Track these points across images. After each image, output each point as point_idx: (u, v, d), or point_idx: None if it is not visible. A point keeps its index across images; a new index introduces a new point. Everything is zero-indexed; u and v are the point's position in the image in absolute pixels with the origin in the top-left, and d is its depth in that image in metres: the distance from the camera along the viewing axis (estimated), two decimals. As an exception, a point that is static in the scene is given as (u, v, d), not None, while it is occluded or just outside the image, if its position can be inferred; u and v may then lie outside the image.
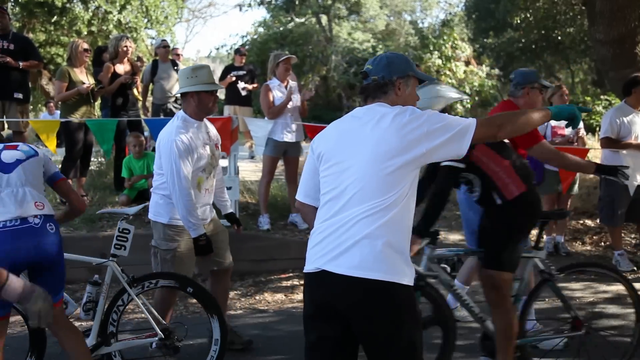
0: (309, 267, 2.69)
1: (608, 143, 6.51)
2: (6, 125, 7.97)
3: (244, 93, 10.37)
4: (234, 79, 10.39)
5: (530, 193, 3.82)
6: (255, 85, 10.59)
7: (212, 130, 4.43)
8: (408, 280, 2.59)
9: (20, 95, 7.64)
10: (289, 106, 6.89)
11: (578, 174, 6.86)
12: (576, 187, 7.01)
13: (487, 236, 3.90)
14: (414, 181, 2.66)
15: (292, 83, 7.11)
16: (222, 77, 10.77)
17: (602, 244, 7.39)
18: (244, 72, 10.52)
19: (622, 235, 7.13)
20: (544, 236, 7.02)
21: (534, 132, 4.11)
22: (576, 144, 6.87)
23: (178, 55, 10.75)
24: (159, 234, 4.25)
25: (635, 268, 6.60)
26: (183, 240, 4.18)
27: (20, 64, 7.46)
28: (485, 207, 3.94)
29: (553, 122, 6.69)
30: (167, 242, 4.20)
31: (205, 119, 4.35)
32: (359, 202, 2.58)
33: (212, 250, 4.17)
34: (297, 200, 2.99)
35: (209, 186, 4.35)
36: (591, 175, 9.02)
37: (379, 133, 2.61)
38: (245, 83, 10.40)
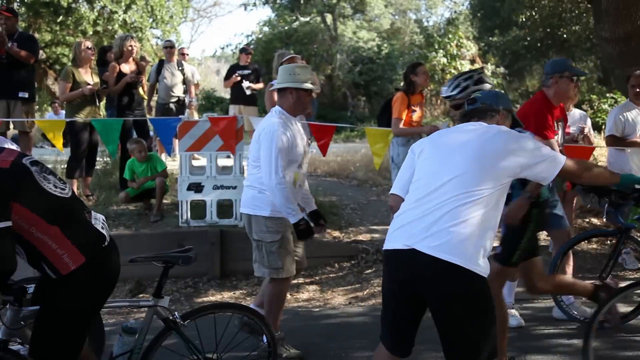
0: (394, 245, 2.87)
1: (613, 141, 6.47)
2: (12, 126, 7.99)
3: (248, 92, 10.37)
4: (239, 78, 10.39)
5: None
6: (260, 84, 10.59)
7: (300, 127, 4.49)
8: (485, 273, 2.76)
9: (25, 95, 7.65)
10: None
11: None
12: (582, 185, 6.98)
13: None
14: (504, 190, 2.90)
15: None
16: (227, 76, 10.77)
17: (608, 242, 7.36)
18: (249, 71, 10.51)
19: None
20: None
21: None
22: (582, 142, 6.83)
23: (184, 55, 10.77)
24: (260, 228, 4.28)
25: None
26: (286, 230, 4.23)
27: (9, 44, 7.33)
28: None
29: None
30: (272, 234, 4.23)
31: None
32: (455, 188, 2.79)
33: (313, 233, 4.25)
34: (391, 196, 3.24)
35: (302, 181, 4.44)
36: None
37: (487, 137, 2.95)
38: (250, 82, 10.39)
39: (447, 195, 2.79)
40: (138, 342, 3.25)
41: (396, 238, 2.88)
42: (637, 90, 6.29)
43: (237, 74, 10.46)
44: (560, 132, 5.02)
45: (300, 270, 4.67)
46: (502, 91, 3.71)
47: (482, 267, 2.75)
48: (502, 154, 2.86)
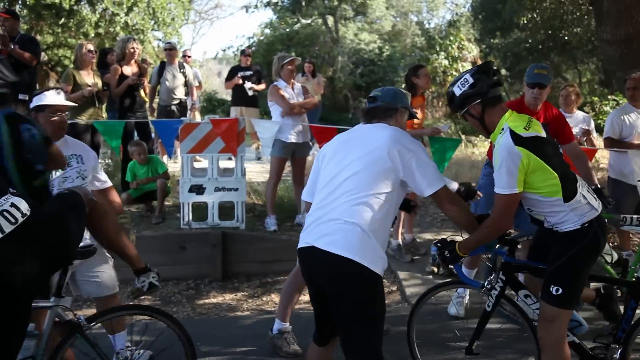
0: (300, 244, 3.08)
1: (610, 143, 6.49)
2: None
3: (250, 93, 10.38)
4: (240, 81, 10.41)
5: None
6: (262, 85, 10.60)
7: None
8: (378, 269, 2.94)
9: (25, 97, 7.66)
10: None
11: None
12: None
13: None
14: (397, 192, 3.12)
15: (297, 85, 7.12)
16: (229, 77, 10.79)
17: (611, 244, 7.34)
18: (251, 72, 10.54)
19: (630, 235, 7.08)
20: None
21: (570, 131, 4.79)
22: (585, 144, 6.82)
23: (187, 57, 10.78)
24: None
25: None
26: None
27: (12, 46, 7.36)
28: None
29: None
30: None
31: None
32: (350, 187, 3.00)
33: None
34: (304, 202, 3.34)
35: None
36: (599, 176, 9.00)
37: (381, 139, 3.11)
38: (252, 83, 10.41)
39: (343, 195, 3.00)
40: (40, 347, 3.05)
41: (302, 238, 3.08)
42: (633, 92, 6.30)
43: (238, 76, 10.48)
44: None
45: None
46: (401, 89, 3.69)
47: (373, 263, 2.91)
48: (389, 157, 3.05)
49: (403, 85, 6.67)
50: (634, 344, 3.58)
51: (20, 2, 16.74)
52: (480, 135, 14.25)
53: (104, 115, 8.22)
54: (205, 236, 6.60)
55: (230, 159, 7.69)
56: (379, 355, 2.94)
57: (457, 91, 3.32)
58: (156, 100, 9.68)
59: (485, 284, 3.67)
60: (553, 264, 3.23)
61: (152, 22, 18.81)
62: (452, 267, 3.85)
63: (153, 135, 8.58)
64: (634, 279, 3.62)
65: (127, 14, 17.60)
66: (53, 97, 3.80)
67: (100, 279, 3.97)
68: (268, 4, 25.63)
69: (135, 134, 7.88)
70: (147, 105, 8.99)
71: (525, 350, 3.96)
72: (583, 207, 3.21)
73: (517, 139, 3.10)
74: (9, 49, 7.35)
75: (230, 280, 6.50)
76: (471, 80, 3.28)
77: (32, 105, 3.79)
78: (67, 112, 3.96)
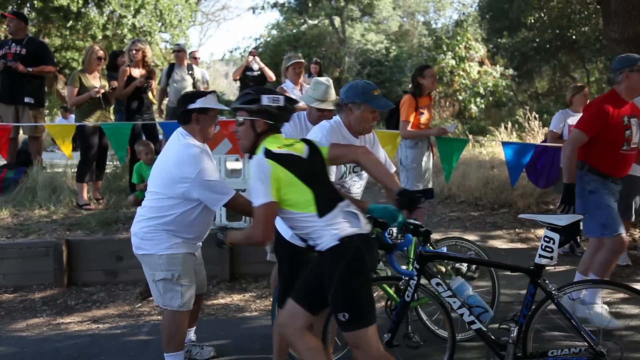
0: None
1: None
2: (21, 130, 8.06)
3: (256, 67, 10.33)
4: (250, 58, 10.37)
5: None
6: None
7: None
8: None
9: (31, 100, 7.72)
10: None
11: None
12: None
13: None
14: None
15: (306, 87, 7.12)
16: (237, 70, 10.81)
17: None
18: (258, 72, 10.53)
19: (631, 229, 7.15)
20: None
21: None
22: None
23: (196, 58, 10.79)
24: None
25: (630, 264, 6.57)
26: None
27: (30, 69, 7.55)
28: None
29: (570, 121, 6.68)
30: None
31: None
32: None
33: None
34: None
35: None
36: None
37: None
38: (258, 83, 10.41)
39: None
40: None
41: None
42: None
43: (247, 59, 10.52)
44: (634, 128, 4.90)
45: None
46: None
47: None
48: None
49: (410, 86, 6.67)
50: (534, 328, 3.69)
51: (28, 5, 16.83)
52: (487, 136, 14.24)
53: (112, 117, 8.26)
54: (213, 237, 6.60)
55: (237, 160, 7.70)
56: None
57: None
58: (165, 101, 9.72)
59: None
60: (328, 291, 3.14)
61: (160, 24, 18.88)
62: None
63: (161, 137, 8.61)
64: (531, 267, 3.69)
65: (134, 16, 17.67)
66: (215, 103, 4.07)
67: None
68: (275, 5, 25.69)
69: (143, 136, 7.90)
70: (156, 106, 9.02)
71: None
72: (341, 224, 3.16)
73: (267, 153, 3.19)
74: (27, 71, 7.47)
75: (238, 280, 6.51)
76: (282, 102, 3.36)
77: (194, 106, 3.95)
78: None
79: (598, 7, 10.64)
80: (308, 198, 3.17)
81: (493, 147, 12.24)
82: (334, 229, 3.13)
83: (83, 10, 17.09)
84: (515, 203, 8.41)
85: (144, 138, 7.83)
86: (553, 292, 3.61)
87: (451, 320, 3.77)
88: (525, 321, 3.64)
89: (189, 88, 9.28)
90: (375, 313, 3.21)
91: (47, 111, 13.91)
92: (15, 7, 16.43)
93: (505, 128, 12.65)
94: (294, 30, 24.65)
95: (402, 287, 3.77)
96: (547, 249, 3.61)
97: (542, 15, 16.19)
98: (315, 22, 24.93)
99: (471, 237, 7.41)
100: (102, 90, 7.42)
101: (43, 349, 4.61)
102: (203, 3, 31.11)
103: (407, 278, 3.72)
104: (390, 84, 23.12)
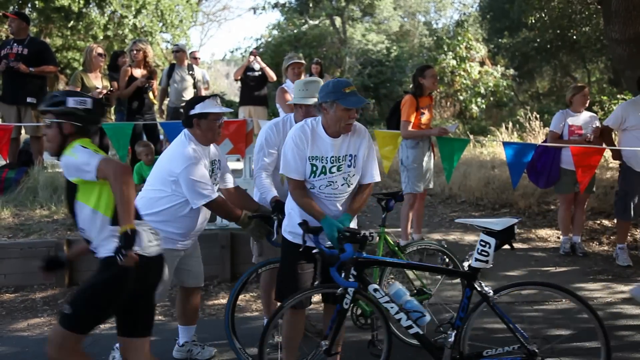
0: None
1: (607, 132, 6.78)
2: (23, 130, 8.06)
3: (257, 67, 10.33)
4: (251, 58, 10.36)
5: None
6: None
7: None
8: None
9: (33, 100, 7.73)
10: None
11: (595, 174, 6.83)
12: (593, 187, 6.97)
13: None
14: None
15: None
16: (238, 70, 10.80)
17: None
18: (259, 72, 10.52)
19: (632, 229, 7.16)
20: (561, 236, 7.01)
21: None
22: (591, 142, 6.81)
23: (196, 59, 10.79)
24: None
25: (631, 264, 6.58)
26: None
27: (32, 69, 7.56)
28: None
29: (570, 121, 6.69)
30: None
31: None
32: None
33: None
34: None
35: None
36: (608, 175, 8.98)
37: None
38: (259, 85, 10.40)
39: None
40: None
41: None
42: None
43: (248, 59, 10.52)
44: None
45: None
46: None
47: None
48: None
49: (410, 86, 6.67)
50: (470, 330, 3.71)
51: (29, 5, 16.84)
52: (488, 136, 14.24)
53: (112, 117, 8.26)
54: (214, 237, 6.61)
55: (238, 160, 7.70)
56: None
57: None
58: (166, 102, 9.72)
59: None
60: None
61: (161, 24, 18.90)
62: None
63: (162, 137, 8.61)
64: (467, 269, 3.68)
65: (135, 17, 17.69)
66: (215, 107, 4.08)
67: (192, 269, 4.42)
68: (276, 6, 25.69)
69: (144, 136, 7.90)
70: (157, 107, 9.02)
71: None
72: None
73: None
74: (29, 71, 7.47)
75: (239, 281, 6.51)
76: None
77: (194, 112, 4.03)
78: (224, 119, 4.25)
79: (599, 7, 10.64)
80: (110, 202, 3.12)
81: (494, 147, 12.23)
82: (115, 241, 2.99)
83: (84, 10, 17.12)
84: (517, 203, 8.41)
85: (144, 138, 7.83)
86: (489, 294, 3.62)
87: (389, 327, 3.76)
88: (461, 324, 3.66)
89: (190, 88, 9.28)
90: (92, 328, 3.12)
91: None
92: (16, 7, 16.45)
93: (506, 128, 12.65)
94: (295, 31, 24.64)
95: (339, 295, 3.64)
96: (482, 252, 3.58)
97: (543, 15, 16.17)
98: (316, 22, 24.92)
99: (472, 237, 7.41)
100: (105, 91, 7.43)
101: (44, 349, 4.61)
102: (204, 3, 31.15)
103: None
104: (391, 84, 23.11)
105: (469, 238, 7.40)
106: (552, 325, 5.02)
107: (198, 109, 4.03)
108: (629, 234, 7.13)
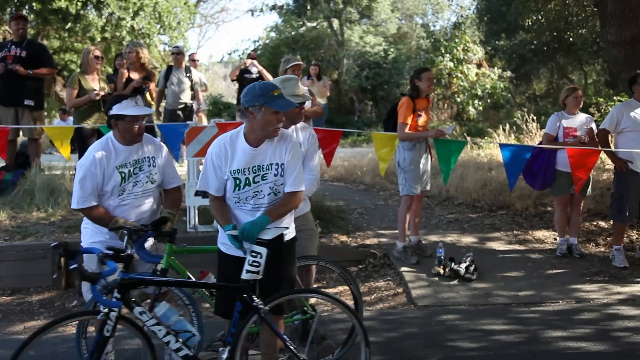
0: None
1: (604, 135, 6.72)
2: (21, 132, 8.05)
3: (254, 70, 10.34)
4: (248, 62, 10.37)
5: None
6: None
7: (300, 138, 4.50)
8: None
9: (31, 102, 7.74)
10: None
11: (591, 175, 6.85)
12: (589, 188, 6.99)
13: None
14: None
15: (305, 89, 7.13)
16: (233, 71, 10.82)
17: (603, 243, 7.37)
18: (256, 75, 10.54)
19: (628, 231, 7.18)
20: (557, 238, 7.03)
21: None
22: (586, 144, 6.82)
23: (194, 61, 10.80)
24: None
25: (627, 265, 6.59)
26: None
27: (30, 72, 7.57)
28: None
29: (565, 123, 6.70)
30: None
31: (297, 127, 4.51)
32: None
33: None
34: None
35: None
36: (605, 177, 9.00)
37: None
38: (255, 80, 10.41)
39: None
40: None
41: None
42: None
43: (244, 60, 10.53)
44: None
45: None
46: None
47: None
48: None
49: (408, 88, 6.68)
50: (241, 345, 3.54)
51: (27, 7, 16.83)
52: (485, 137, 14.26)
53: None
54: (211, 239, 6.58)
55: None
56: None
57: None
58: (163, 104, 9.73)
59: (102, 307, 3.36)
60: None
61: (158, 26, 18.88)
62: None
63: (158, 139, 8.61)
64: (242, 283, 3.50)
65: (133, 18, 17.67)
66: (132, 109, 3.96)
67: None
68: (273, 8, 25.69)
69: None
70: (154, 109, 9.03)
71: None
72: None
73: None
74: (27, 73, 7.48)
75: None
76: None
77: (111, 113, 3.96)
78: (145, 119, 4.13)
79: (595, 9, 10.67)
80: None
81: (491, 149, 12.24)
82: None
83: (82, 12, 17.09)
84: (513, 205, 8.42)
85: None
86: (259, 306, 3.48)
87: (154, 352, 3.49)
88: (232, 339, 3.50)
89: (187, 91, 9.30)
90: None
91: (46, 113, 13.88)
92: (14, 8, 16.45)
93: (503, 130, 12.66)
94: (293, 33, 24.65)
95: (101, 320, 3.34)
96: (254, 263, 3.43)
97: (540, 17, 16.18)
98: (314, 24, 24.92)
99: (469, 238, 7.43)
100: (102, 93, 7.43)
101: (40, 352, 4.60)
102: (202, 5, 31.12)
103: (106, 310, 3.32)
104: (389, 86, 23.12)
105: (467, 240, 7.41)
106: (549, 326, 5.04)
107: (115, 110, 3.94)
108: (625, 236, 7.15)
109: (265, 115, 3.45)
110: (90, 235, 4.08)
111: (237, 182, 3.59)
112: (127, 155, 4.04)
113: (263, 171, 3.58)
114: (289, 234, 3.75)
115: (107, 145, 4.01)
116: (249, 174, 3.57)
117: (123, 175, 4.01)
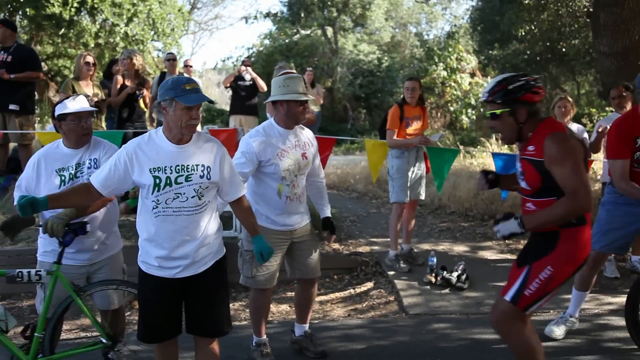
0: None
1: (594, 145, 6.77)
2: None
3: (248, 77, 10.33)
4: (243, 67, 10.35)
5: None
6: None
7: (304, 138, 4.52)
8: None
9: (16, 108, 7.67)
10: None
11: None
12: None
13: None
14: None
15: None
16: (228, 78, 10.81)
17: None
18: (250, 82, 10.53)
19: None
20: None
21: None
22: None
23: (188, 67, 10.79)
24: (245, 235, 4.42)
25: (618, 276, 6.60)
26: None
27: (12, 76, 7.50)
28: None
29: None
30: (249, 244, 4.32)
31: (299, 127, 4.50)
32: None
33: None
34: None
35: (293, 194, 4.42)
36: (597, 187, 9.03)
37: None
38: (250, 94, 10.40)
39: None
40: None
41: None
42: (617, 101, 6.55)
43: (238, 68, 10.52)
44: None
45: (310, 279, 4.67)
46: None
47: None
48: None
49: (402, 96, 6.73)
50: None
51: (20, 12, 16.80)
52: (478, 147, 14.31)
53: (104, 125, 8.24)
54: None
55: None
56: None
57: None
58: (156, 110, 9.71)
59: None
60: None
61: (152, 32, 18.88)
62: None
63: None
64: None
65: (127, 25, 17.66)
66: (72, 104, 3.92)
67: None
68: (267, 15, 25.74)
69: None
70: (147, 115, 9.02)
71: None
72: None
73: None
74: (10, 78, 7.44)
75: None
76: None
77: (55, 114, 3.93)
78: (90, 118, 4.02)
79: (588, 20, 10.74)
80: None
81: (484, 158, 12.29)
82: None
83: (75, 18, 17.07)
84: (505, 214, 8.43)
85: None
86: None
87: None
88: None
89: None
90: None
91: (38, 119, 13.83)
92: (6, 14, 16.41)
93: (496, 139, 12.70)
94: (287, 40, 24.69)
95: None
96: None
97: (533, 27, 16.28)
98: (308, 32, 24.97)
99: (461, 247, 7.44)
100: (95, 99, 7.41)
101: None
102: (196, 12, 31.19)
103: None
104: (382, 94, 23.18)
105: (458, 248, 7.42)
106: (540, 336, 5.03)
107: (57, 111, 3.93)
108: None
109: (177, 110, 3.25)
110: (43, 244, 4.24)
111: (157, 181, 3.36)
112: (70, 158, 3.99)
113: (187, 171, 3.37)
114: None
115: (51, 147, 4.06)
116: (170, 173, 3.35)
117: (63, 178, 3.96)
